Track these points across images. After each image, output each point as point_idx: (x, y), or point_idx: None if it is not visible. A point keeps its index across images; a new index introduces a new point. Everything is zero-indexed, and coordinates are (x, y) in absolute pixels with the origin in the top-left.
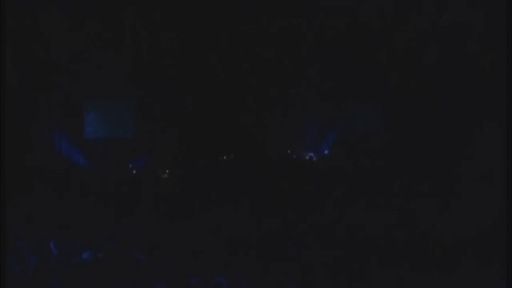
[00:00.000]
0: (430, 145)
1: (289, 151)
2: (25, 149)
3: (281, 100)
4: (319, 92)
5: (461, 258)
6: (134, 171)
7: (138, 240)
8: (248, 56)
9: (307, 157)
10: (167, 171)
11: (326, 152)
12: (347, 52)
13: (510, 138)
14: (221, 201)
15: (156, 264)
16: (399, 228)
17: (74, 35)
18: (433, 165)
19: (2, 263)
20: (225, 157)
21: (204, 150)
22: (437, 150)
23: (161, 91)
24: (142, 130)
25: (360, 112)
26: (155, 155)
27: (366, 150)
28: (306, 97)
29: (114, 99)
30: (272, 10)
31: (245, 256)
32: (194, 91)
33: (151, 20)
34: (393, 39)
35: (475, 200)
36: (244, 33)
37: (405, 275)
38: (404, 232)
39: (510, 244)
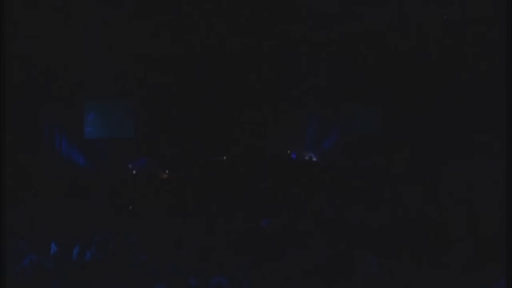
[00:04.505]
0: (429, 145)
1: (288, 151)
2: (25, 149)
3: (282, 101)
4: (320, 93)
5: (461, 257)
6: (134, 171)
7: (138, 240)
8: (249, 57)
9: (307, 157)
10: (167, 171)
11: (325, 152)
12: (347, 53)
13: (510, 138)
14: (221, 201)
15: (156, 264)
16: (398, 227)
17: (74, 35)
18: (433, 164)
19: (2, 263)
20: (224, 157)
21: (204, 150)
22: (436, 150)
23: (161, 91)
24: (142, 130)
25: (359, 113)
26: (155, 155)
27: (366, 150)
28: (306, 98)
29: (114, 99)
30: (275, 12)
31: (245, 256)
32: (195, 92)
33: (151, 20)
34: (393, 40)
35: (475, 199)
36: (245, 35)
37: (405, 274)
38: (403, 231)
39: (510, 244)
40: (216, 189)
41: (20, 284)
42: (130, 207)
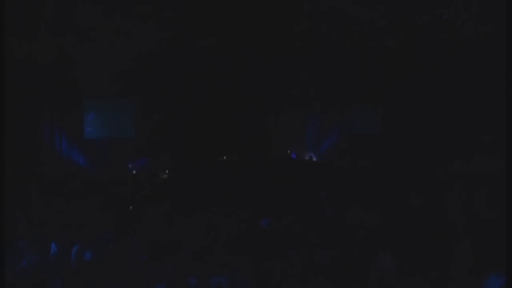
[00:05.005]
0: (429, 144)
1: (288, 151)
2: (25, 150)
3: (282, 101)
4: (320, 93)
5: (461, 256)
6: (134, 171)
7: (138, 240)
8: (249, 57)
9: (307, 157)
10: (167, 171)
11: (325, 152)
12: (347, 53)
13: (510, 138)
14: (221, 201)
15: (156, 264)
16: (398, 227)
17: (74, 35)
18: (432, 164)
19: (2, 263)
20: (224, 157)
21: (204, 150)
22: (436, 150)
23: (161, 91)
24: (142, 130)
25: (359, 113)
26: (155, 155)
27: (366, 150)
28: (306, 98)
29: (114, 99)
30: (275, 12)
31: (245, 256)
32: (195, 92)
33: (152, 20)
34: (393, 40)
35: (474, 198)
36: (246, 35)
37: (404, 273)
38: (402, 230)
39: (510, 244)
40: (216, 189)
41: (20, 284)
42: (130, 207)
